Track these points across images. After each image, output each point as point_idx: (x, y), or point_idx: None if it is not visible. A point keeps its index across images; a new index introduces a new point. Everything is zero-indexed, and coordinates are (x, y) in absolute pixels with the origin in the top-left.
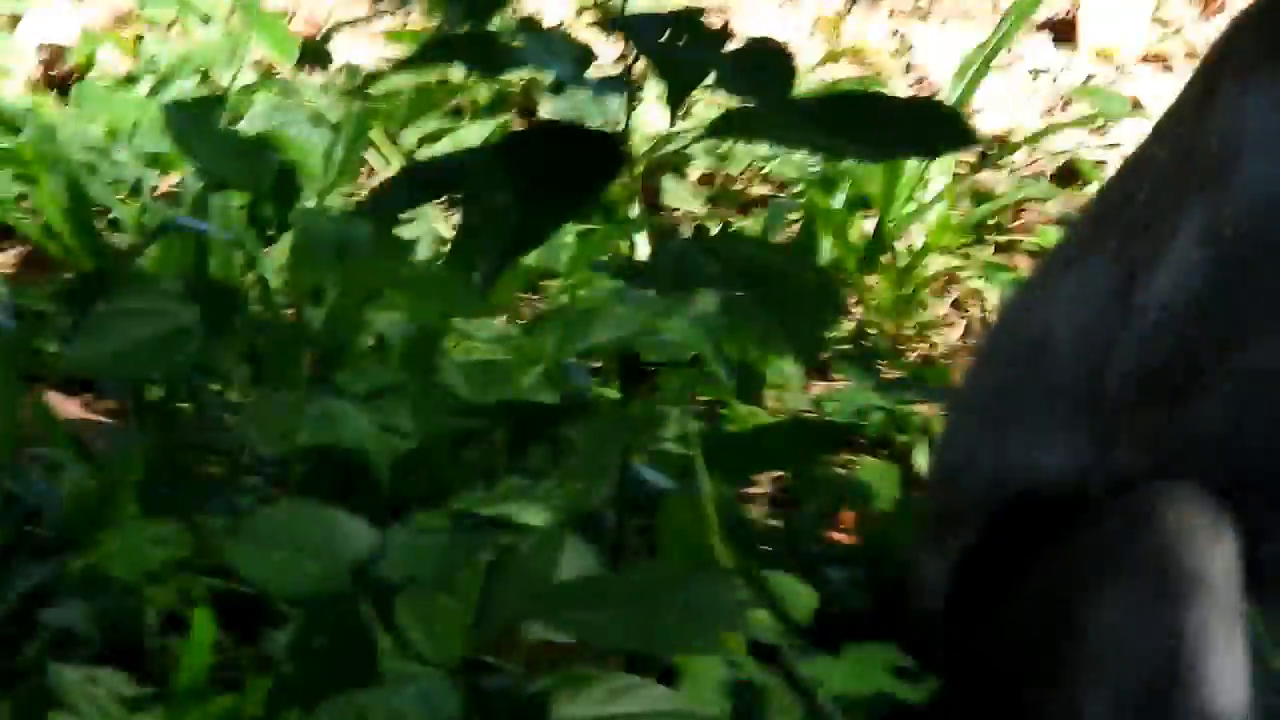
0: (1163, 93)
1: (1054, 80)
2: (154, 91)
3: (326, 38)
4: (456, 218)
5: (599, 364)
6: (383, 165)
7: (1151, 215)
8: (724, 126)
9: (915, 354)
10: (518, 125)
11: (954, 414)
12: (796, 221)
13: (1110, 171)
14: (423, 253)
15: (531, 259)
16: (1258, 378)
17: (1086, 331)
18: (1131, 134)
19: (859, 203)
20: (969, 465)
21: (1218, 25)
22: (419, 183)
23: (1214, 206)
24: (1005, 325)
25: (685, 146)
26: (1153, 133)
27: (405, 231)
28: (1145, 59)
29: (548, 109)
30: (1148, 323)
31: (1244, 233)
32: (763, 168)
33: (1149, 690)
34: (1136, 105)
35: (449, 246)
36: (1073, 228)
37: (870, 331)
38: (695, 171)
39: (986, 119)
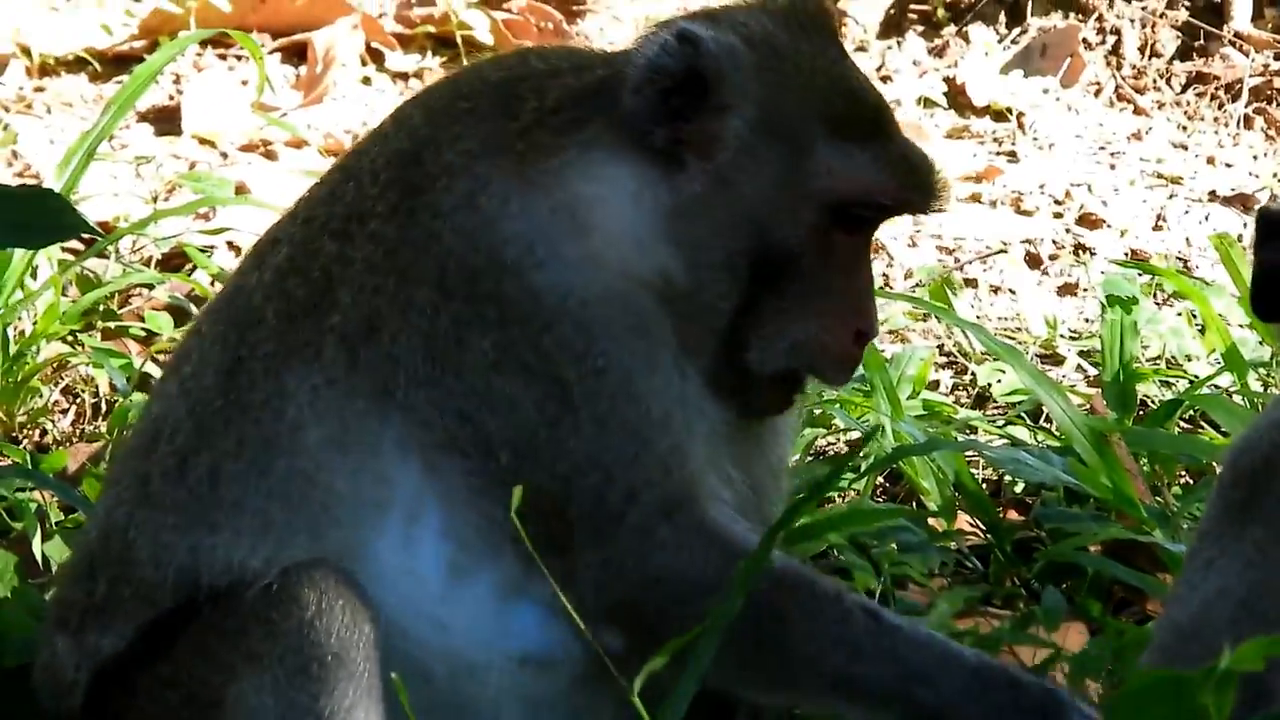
0: (268, 179)
1: (159, 167)
2: None
3: None
4: None
5: None
6: None
7: (378, 321)
8: None
9: (29, 440)
10: None
11: (120, 503)
12: None
13: (221, 257)
14: None
15: None
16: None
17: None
18: (238, 220)
19: None
20: (147, 558)
21: (321, 113)
22: None
23: (503, 329)
24: (188, 418)
25: None
26: (318, 230)
27: None
28: (248, 146)
29: None
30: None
31: (550, 354)
32: None
33: None
34: (242, 191)
35: None
36: (217, 322)
37: None
38: None
39: (93, 207)
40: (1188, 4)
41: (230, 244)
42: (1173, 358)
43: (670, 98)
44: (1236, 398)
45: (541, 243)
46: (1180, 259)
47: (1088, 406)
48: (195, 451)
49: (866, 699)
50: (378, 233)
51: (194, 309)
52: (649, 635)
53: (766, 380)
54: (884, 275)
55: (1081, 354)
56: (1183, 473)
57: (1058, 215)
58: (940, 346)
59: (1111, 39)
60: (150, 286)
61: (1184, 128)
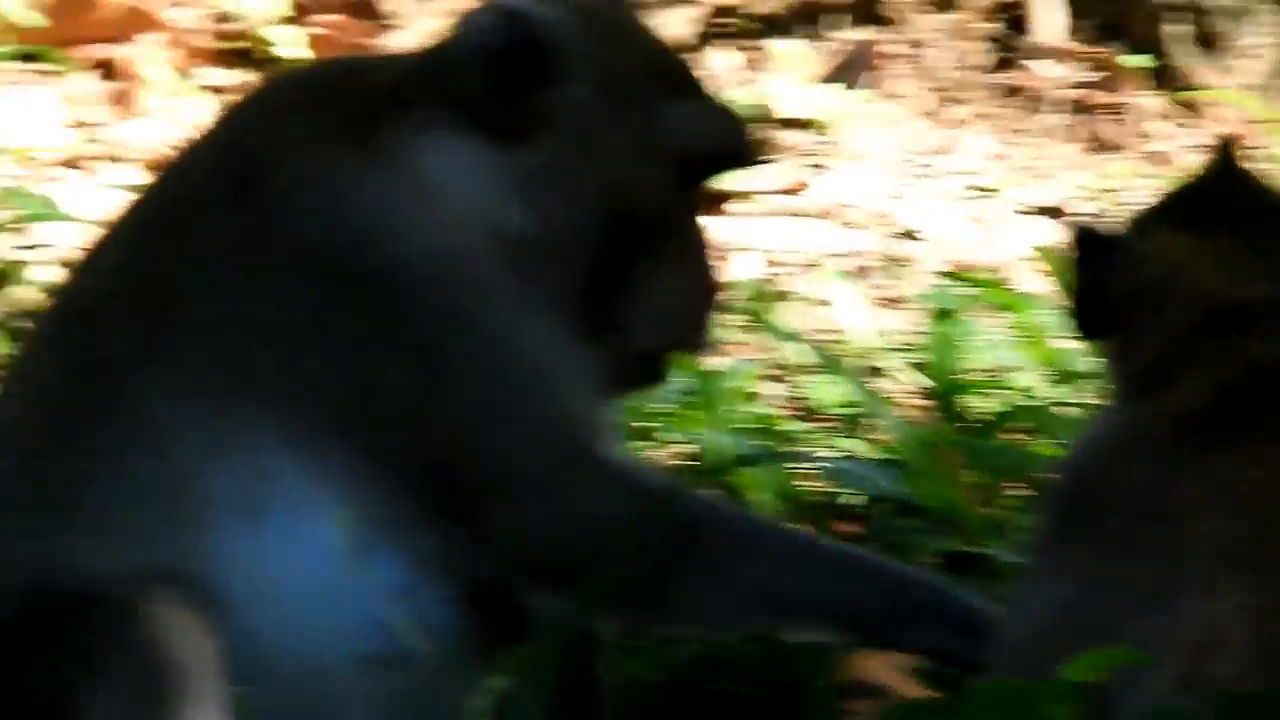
0: (83, 194)
1: None
2: None
3: None
4: None
5: None
6: None
7: (230, 315)
8: None
9: None
10: None
11: None
12: None
13: (39, 273)
14: None
15: None
16: None
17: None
18: (56, 236)
19: None
20: None
21: (134, 128)
22: None
23: (364, 307)
24: (39, 420)
25: None
26: (151, 231)
27: None
28: (64, 162)
29: None
30: None
31: (416, 323)
32: None
33: None
34: (56, 206)
35: None
36: (57, 326)
37: None
38: None
39: None
40: (997, 16)
41: (48, 260)
42: (996, 370)
43: (503, 75)
44: (1062, 410)
45: (391, 214)
46: (999, 271)
47: (915, 419)
48: (47, 454)
49: (796, 615)
50: (214, 225)
51: (16, 325)
52: (571, 585)
53: (639, 357)
54: None
55: (907, 367)
56: (1013, 485)
57: (875, 227)
58: (766, 360)
59: (922, 51)
60: None
61: (999, 140)
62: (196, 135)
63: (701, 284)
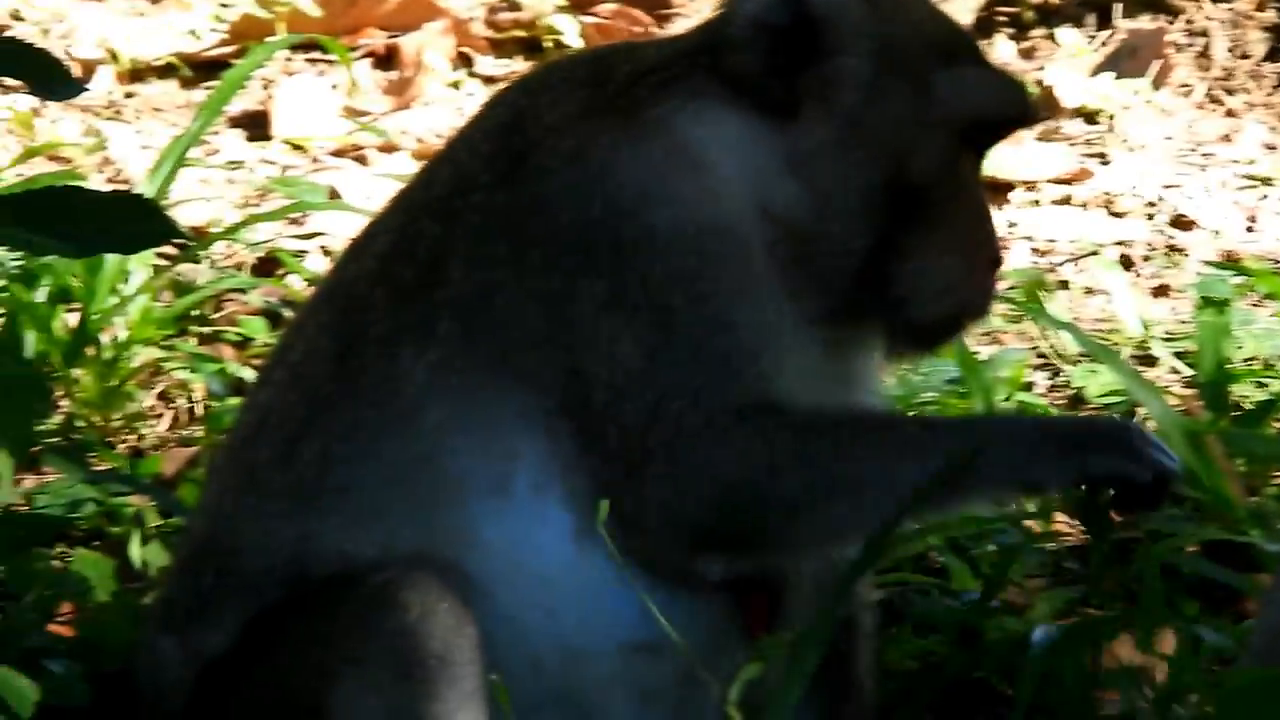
0: (359, 183)
1: (250, 172)
2: None
3: None
4: None
5: None
6: None
7: (491, 289)
8: None
9: (125, 446)
10: None
11: (226, 492)
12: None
13: (314, 262)
14: None
15: None
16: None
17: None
18: (331, 225)
19: (61, 296)
20: (254, 547)
21: (411, 118)
22: None
23: (617, 272)
24: (298, 404)
25: None
26: (419, 214)
27: None
28: (339, 151)
29: None
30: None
31: (661, 284)
32: None
33: None
34: (333, 195)
35: None
36: (321, 312)
37: (79, 424)
38: None
39: (185, 212)
40: (1276, 5)
41: (323, 248)
42: (1267, 359)
43: (777, 51)
44: None
45: (657, 183)
46: (1273, 260)
47: (1183, 407)
48: (305, 437)
49: (952, 498)
50: (483, 204)
51: (287, 313)
52: (730, 543)
53: (920, 328)
54: None
55: (1176, 355)
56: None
57: (1150, 217)
58: (1034, 348)
59: (1200, 40)
60: (243, 291)
61: (1275, 129)
62: (467, 120)
63: (983, 252)
